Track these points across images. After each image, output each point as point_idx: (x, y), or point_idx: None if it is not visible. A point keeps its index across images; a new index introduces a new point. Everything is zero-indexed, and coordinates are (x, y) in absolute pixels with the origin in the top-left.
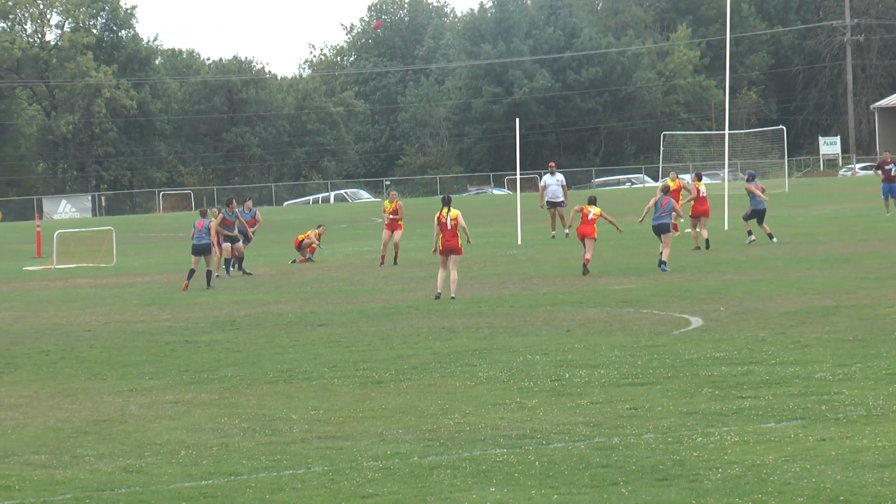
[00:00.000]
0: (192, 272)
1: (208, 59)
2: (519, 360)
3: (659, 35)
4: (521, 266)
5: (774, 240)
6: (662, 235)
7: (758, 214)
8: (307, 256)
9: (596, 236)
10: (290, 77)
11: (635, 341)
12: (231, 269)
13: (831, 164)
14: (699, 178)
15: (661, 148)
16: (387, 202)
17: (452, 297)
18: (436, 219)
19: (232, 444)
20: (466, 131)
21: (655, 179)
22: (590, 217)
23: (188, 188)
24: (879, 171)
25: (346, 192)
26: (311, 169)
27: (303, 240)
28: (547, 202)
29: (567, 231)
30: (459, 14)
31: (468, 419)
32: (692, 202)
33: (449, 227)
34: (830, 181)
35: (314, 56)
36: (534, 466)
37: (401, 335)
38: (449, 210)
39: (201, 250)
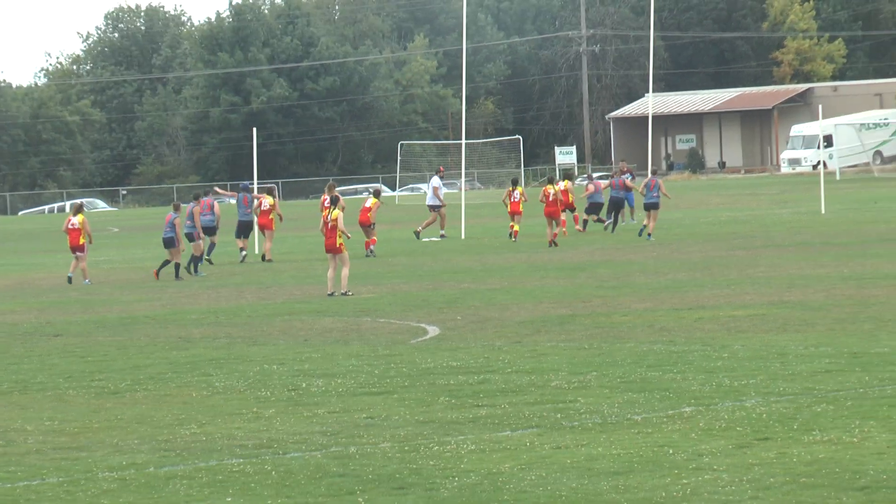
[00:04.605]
0: (165, 262)
1: None
2: (256, 370)
3: (396, 44)
4: (259, 275)
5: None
6: (652, 211)
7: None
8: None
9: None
10: (25, 86)
11: (372, 350)
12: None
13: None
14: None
15: (399, 157)
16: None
17: (344, 293)
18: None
19: None
20: (204, 140)
21: (393, 189)
22: (551, 198)
23: None
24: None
25: (82, 202)
26: (46, 178)
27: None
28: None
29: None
30: (196, 23)
31: (204, 429)
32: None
33: (329, 227)
34: None
35: (50, 64)
36: (270, 476)
37: (137, 345)
38: (331, 210)
39: (167, 244)
